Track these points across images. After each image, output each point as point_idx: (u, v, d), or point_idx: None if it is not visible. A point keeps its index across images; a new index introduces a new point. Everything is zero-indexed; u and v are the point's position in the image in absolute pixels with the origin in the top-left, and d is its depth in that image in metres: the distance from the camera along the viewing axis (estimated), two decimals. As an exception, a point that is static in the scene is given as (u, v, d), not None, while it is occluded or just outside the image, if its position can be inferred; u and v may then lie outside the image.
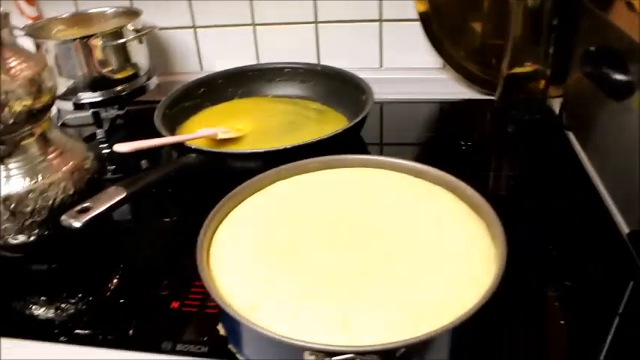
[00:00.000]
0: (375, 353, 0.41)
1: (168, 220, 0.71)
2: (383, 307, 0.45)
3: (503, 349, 0.49)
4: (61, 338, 0.54)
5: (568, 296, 0.55)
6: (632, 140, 0.61)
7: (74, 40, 0.84)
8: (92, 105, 0.89)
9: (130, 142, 0.68)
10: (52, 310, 0.58)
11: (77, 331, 0.54)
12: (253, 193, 0.60)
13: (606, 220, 0.64)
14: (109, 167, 0.83)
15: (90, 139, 0.90)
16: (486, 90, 0.94)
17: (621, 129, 0.64)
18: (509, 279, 0.45)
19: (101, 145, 0.88)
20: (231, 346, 0.50)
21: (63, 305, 0.58)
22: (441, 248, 0.51)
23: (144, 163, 0.84)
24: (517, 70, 0.84)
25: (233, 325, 0.48)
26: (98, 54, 0.85)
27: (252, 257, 0.51)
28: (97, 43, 0.84)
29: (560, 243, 0.61)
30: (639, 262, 0.57)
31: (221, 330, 0.52)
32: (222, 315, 0.51)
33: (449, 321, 0.42)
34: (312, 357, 0.42)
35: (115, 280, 0.61)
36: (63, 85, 0.87)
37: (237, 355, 0.49)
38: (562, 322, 0.52)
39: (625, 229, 0.62)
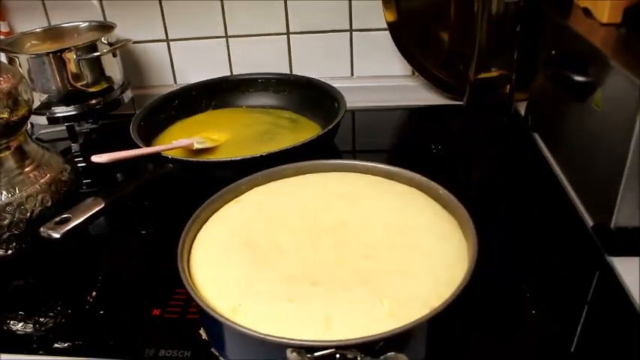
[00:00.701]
0: (355, 347, 0.41)
1: (145, 231, 0.71)
2: (363, 304, 0.46)
3: (478, 339, 0.51)
4: (40, 352, 0.53)
5: (538, 287, 0.57)
6: (593, 137, 0.64)
7: (48, 54, 0.83)
8: (66, 119, 0.88)
9: (108, 153, 0.68)
10: (31, 325, 0.57)
11: (56, 345, 0.54)
12: (230, 200, 0.61)
13: (572, 215, 0.66)
14: (85, 180, 0.83)
15: (65, 153, 0.90)
16: (455, 96, 0.96)
17: (583, 128, 0.67)
18: (481, 273, 0.47)
19: (77, 159, 0.88)
20: (213, 350, 0.50)
21: (42, 319, 0.57)
22: (416, 245, 0.52)
23: (119, 176, 0.84)
24: (483, 75, 0.86)
25: (215, 327, 0.48)
26: (72, 68, 0.85)
27: (232, 261, 0.52)
28: (71, 56, 0.84)
29: (529, 238, 0.64)
30: (604, 252, 0.59)
31: (203, 334, 0.52)
32: (203, 318, 0.51)
33: (425, 313, 0.44)
34: (294, 354, 0.42)
35: (94, 292, 0.61)
36: (37, 99, 0.86)
37: (221, 358, 0.50)
38: (533, 312, 0.53)
39: (589, 222, 0.64)
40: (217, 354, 0.50)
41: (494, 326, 0.52)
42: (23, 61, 0.84)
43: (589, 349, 0.50)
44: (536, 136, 0.83)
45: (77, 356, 0.52)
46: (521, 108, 0.90)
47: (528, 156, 0.80)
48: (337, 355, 0.41)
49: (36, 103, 0.86)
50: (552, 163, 0.76)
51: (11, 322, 0.58)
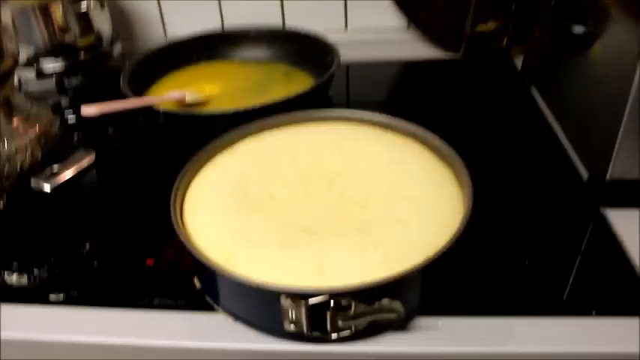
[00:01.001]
0: (350, 294, 0.42)
1: (138, 184, 0.70)
2: (357, 252, 0.46)
3: (472, 288, 0.51)
4: (36, 303, 0.53)
5: (532, 238, 0.57)
6: (591, 90, 0.63)
7: (33, 5, 0.81)
8: (55, 73, 0.86)
9: (98, 105, 0.67)
10: (26, 276, 0.57)
11: (52, 295, 0.54)
12: (223, 150, 0.61)
13: (567, 167, 0.66)
14: (76, 135, 0.82)
15: (55, 108, 0.88)
16: (451, 49, 0.95)
17: (581, 80, 0.66)
18: (475, 223, 0.47)
19: (67, 114, 0.87)
20: (207, 298, 0.51)
21: (36, 271, 0.57)
22: (412, 195, 0.52)
23: (111, 130, 0.83)
24: (480, 28, 0.85)
25: (209, 275, 0.48)
26: (59, 20, 0.83)
27: (225, 209, 0.52)
28: (58, 8, 0.82)
29: (523, 189, 0.63)
30: (599, 204, 0.59)
31: (197, 283, 0.52)
32: (197, 267, 0.51)
33: (419, 261, 0.44)
34: (289, 301, 0.42)
35: (88, 244, 0.60)
36: (24, 52, 0.84)
37: (214, 306, 0.50)
38: (526, 261, 0.53)
39: (585, 174, 0.64)
40: (211, 302, 0.50)
41: (487, 275, 0.53)
42: (8, 12, 0.82)
43: (581, 300, 0.50)
44: (533, 90, 0.82)
45: (73, 306, 0.52)
46: (519, 61, 0.89)
47: (525, 109, 0.79)
48: (331, 302, 0.41)
49: (23, 57, 0.84)
50: (549, 117, 0.75)
51: (6, 274, 0.57)
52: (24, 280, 0.56)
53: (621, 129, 0.56)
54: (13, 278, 0.57)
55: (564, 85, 0.73)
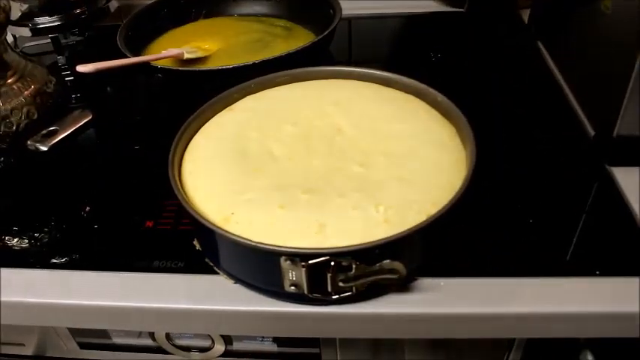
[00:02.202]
0: (350, 254, 0.41)
1: (136, 144, 0.68)
2: (358, 211, 0.45)
3: (474, 248, 0.50)
4: (37, 266, 0.53)
5: (536, 197, 0.55)
6: (600, 43, 0.61)
7: (25, -42, 0.79)
8: (50, 30, 0.84)
9: (94, 63, 0.65)
10: (27, 240, 0.56)
11: (53, 260, 0.53)
12: (222, 109, 0.59)
13: (573, 124, 0.64)
14: (73, 95, 0.80)
15: (52, 67, 0.86)
16: (456, 2, 0.92)
17: (589, 33, 0.64)
18: (478, 182, 0.46)
19: (64, 73, 0.85)
20: (207, 260, 0.50)
21: (37, 234, 0.56)
22: (413, 153, 0.51)
23: (109, 89, 0.81)
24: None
25: (208, 236, 0.47)
26: (53, -27, 0.81)
27: (224, 169, 0.51)
28: (51, -39, 0.80)
29: (528, 147, 0.62)
30: (604, 162, 0.58)
31: (197, 245, 0.52)
32: (196, 228, 0.50)
33: (422, 220, 0.43)
34: (288, 262, 0.42)
35: (87, 207, 0.59)
36: (17, 9, 0.82)
37: (215, 268, 0.49)
38: (530, 221, 0.52)
39: (591, 132, 0.62)
40: (211, 264, 0.50)
41: (490, 235, 0.52)
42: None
43: (585, 258, 0.49)
44: (540, 44, 0.79)
45: (74, 269, 0.52)
46: (525, 15, 0.86)
47: (530, 64, 0.77)
48: (332, 263, 0.41)
49: (17, 14, 0.82)
50: (555, 72, 0.73)
51: (6, 238, 0.56)
52: (24, 243, 0.56)
53: (630, 84, 0.54)
54: (12, 241, 0.56)
55: (572, 38, 0.70)
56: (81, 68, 0.64)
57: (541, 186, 0.57)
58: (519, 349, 0.54)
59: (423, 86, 0.58)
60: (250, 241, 0.43)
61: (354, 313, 0.45)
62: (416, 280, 0.47)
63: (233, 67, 0.67)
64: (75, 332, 0.60)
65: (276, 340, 0.57)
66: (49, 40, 0.87)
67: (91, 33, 0.90)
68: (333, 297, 0.43)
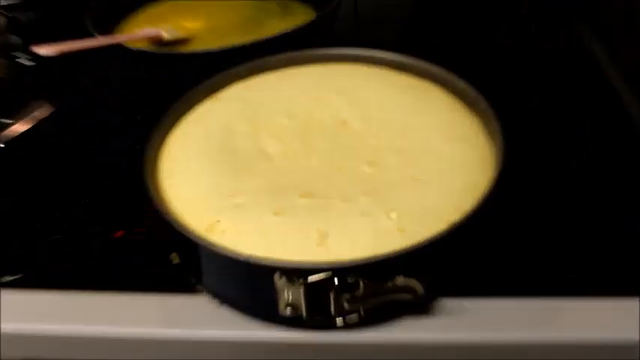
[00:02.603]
0: (357, 269, 0.41)
1: (106, 138, 0.69)
2: (365, 218, 0.45)
3: (505, 261, 0.49)
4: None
5: (578, 199, 0.55)
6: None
7: None
8: (6, 8, 0.84)
9: (56, 44, 0.65)
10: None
11: (7, 277, 0.52)
12: (207, 97, 0.60)
13: (618, 110, 0.65)
14: (32, 82, 0.80)
15: (4, 49, 0.86)
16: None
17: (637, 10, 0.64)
18: (507, 182, 0.46)
19: (20, 57, 0.85)
20: (188, 277, 0.50)
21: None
22: (431, 149, 0.52)
23: (73, 74, 0.81)
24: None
25: (188, 249, 0.47)
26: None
27: (209, 169, 0.52)
28: None
29: (565, 140, 0.62)
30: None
31: (175, 258, 0.51)
32: (175, 239, 0.50)
33: (442, 228, 0.43)
34: (284, 279, 0.41)
35: (47, 212, 0.59)
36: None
37: (196, 287, 0.49)
38: (572, 228, 0.52)
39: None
40: (193, 281, 0.50)
41: (523, 247, 0.51)
42: None
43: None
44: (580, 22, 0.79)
45: (26, 289, 0.51)
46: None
47: (569, 46, 0.78)
48: (335, 280, 0.40)
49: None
50: (598, 54, 0.74)
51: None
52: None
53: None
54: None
55: (617, 16, 0.70)
56: (40, 50, 0.65)
57: (583, 187, 0.57)
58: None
59: (441, 71, 0.59)
60: (239, 254, 0.42)
61: (361, 341, 0.45)
62: (436, 300, 0.46)
63: (220, 50, 0.68)
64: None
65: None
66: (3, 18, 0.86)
67: (53, 9, 0.90)
68: (337, 321, 0.43)
